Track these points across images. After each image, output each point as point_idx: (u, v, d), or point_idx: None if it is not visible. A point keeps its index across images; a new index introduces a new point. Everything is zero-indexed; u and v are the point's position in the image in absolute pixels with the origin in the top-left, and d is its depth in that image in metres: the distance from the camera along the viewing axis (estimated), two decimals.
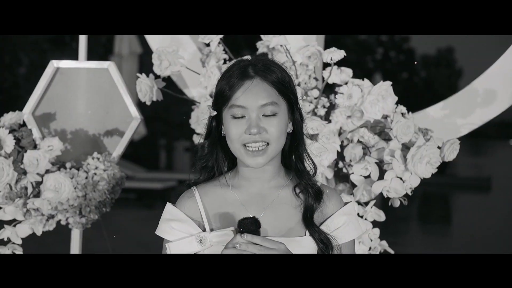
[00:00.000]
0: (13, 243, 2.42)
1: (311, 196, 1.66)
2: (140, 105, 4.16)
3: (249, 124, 1.60)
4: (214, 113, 1.67)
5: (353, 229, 1.69)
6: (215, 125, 1.69)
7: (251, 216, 1.53)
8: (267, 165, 1.65)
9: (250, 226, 1.50)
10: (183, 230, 1.64)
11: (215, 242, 1.61)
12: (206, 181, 1.73)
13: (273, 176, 1.69)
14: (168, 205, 1.70)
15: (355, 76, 2.38)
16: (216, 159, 1.72)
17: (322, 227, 1.66)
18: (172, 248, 1.63)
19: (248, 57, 1.96)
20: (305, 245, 1.62)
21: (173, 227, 1.65)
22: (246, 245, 1.48)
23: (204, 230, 1.65)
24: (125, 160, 13.22)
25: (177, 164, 19.39)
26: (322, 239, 1.63)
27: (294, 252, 1.54)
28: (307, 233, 1.64)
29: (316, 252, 1.63)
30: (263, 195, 1.68)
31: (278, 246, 1.49)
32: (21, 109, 2.61)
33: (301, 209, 1.66)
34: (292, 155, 1.71)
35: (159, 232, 1.68)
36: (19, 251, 2.41)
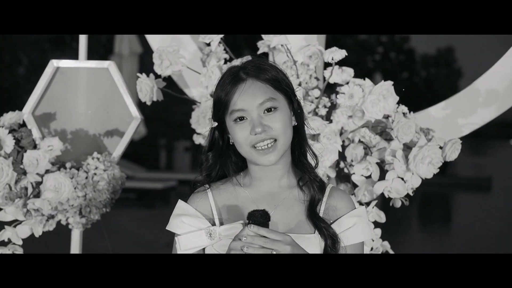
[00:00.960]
0: (14, 243, 2.41)
1: (314, 189, 1.68)
2: (140, 105, 4.15)
3: (252, 125, 1.62)
4: (215, 124, 1.69)
5: (362, 232, 1.68)
6: (218, 136, 1.71)
7: (261, 209, 1.53)
8: (277, 164, 1.67)
9: (259, 218, 1.50)
10: (194, 224, 1.66)
11: (224, 236, 1.63)
12: (218, 181, 1.74)
13: (283, 175, 1.70)
14: (180, 202, 1.72)
15: (355, 76, 2.38)
16: (220, 169, 1.74)
17: (332, 227, 1.66)
18: (181, 242, 1.65)
19: (239, 61, 1.97)
20: (314, 242, 1.63)
21: (183, 222, 1.67)
22: (252, 237, 1.48)
23: (214, 225, 1.67)
24: (125, 160, 13.22)
25: (177, 164, 19.40)
26: (329, 234, 1.64)
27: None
28: (317, 231, 1.65)
29: (323, 250, 1.63)
30: (274, 193, 1.69)
31: (284, 238, 1.49)
32: (20, 109, 2.60)
33: (306, 203, 1.68)
34: (295, 149, 1.72)
35: (170, 227, 1.69)
36: (19, 251, 2.40)
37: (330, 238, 1.63)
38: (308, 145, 1.73)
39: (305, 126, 1.73)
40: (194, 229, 1.66)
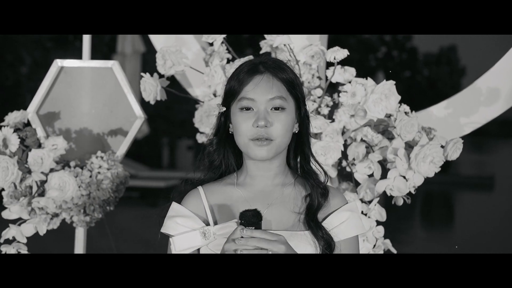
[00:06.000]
0: (18, 242, 2.42)
1: (318, 194, 1.69)
2: (142, 104, 4.17)
3: (257, 117, 1.63)
4: (224, 109, 1.70)
5: (355, 226, 1.70)
6: (223, 122, 1.71)
7: (252, 208, 1.53)
8: (271, 162, 1.68)
9: (251, 218, 1.50)
10: (188, 225, 1.66)
11: (219, 235, 1.63)
12: (212, 181, 1.75)
13: (277, 174, 1.71)
14: (173, 204, 1.72)
15: (357, 75, 2.39)
16: (224, 157, 1.74)
17: (325, 223, 1.68)
18: (176, 242, 1.65)
19: (241, 61, 1.98)
20: (307, 239, 1.64)
21: (178, 223, 1.67)
22: (246, 239, 1.49)
23: (208, 225, 1.67)
24: (128, 159, 13.23)
25: (179, 162, 19.42)
26: (325, 238, 1.65)
27: (295, 246, 1.57)
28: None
29: (316, 248, 1.65)
30: (267, 192, 1.70)
31: (278, 238, 1.50)
32: (23, 108, 2.62)
33: (304, 207, 1.68)
34: (298, 156, 1.74)
35: (164, 229, 1.69)
36: (24, 250, 2.41)
37: (326, 242, 1.65)
38: (313, 156, 1.74)
39: (309, 134, 1.73)
40: (188, 229, 1.66)
